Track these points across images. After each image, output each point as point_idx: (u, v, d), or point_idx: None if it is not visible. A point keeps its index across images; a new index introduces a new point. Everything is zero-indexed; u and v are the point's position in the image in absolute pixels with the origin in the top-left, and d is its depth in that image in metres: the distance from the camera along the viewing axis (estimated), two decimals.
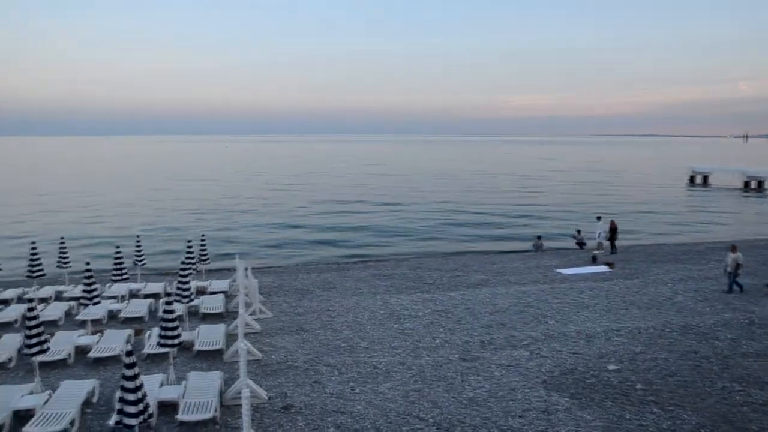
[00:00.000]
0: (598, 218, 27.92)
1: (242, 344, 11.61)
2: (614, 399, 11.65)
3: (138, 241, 20.91)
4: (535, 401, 11.59)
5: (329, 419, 10.92)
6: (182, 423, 10.75)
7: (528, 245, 30.72)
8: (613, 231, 27.03)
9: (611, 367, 13.29)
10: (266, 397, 11.76)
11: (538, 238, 30.73)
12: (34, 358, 11.81)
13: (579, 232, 29.54)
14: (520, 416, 10.94)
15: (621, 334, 15.57)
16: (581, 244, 29.02)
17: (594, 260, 25.47)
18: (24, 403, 11.01)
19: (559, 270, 23.96)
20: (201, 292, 20.21)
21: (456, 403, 11.52)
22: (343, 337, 15.67)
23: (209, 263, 21.82)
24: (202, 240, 21.73)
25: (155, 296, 19.76)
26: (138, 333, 15.91)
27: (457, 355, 14.16)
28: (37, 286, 20.30)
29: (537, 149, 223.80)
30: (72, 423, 10.57)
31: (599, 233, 27.01)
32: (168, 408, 11.26)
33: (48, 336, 12.38)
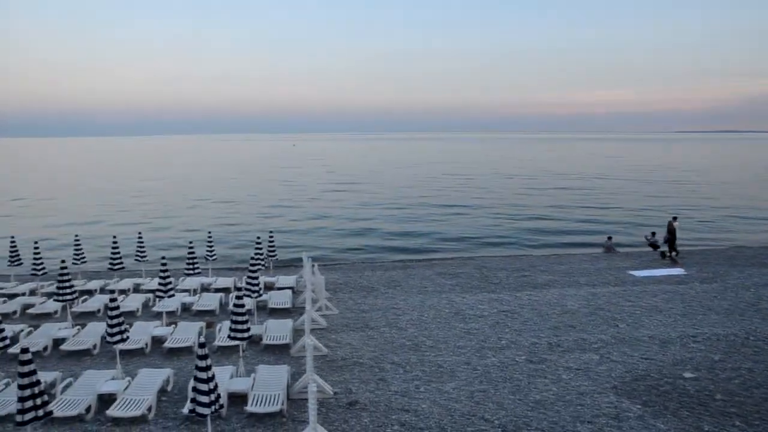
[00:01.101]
0: (674, 218, 26.65)
1: (309, 339, 11.83)
2: (691, 409, 11.09)
3: (210, 238, 21.70)
4: (605, 407, 11.20)
5: (394, 417, 10.96)
6: (251, 414, 11.07)
7: (598, 249, 29.68)
8: (671, 233, 25.77)
9: (688, 374, 12.66)
10: (332, 393, 11.92)
11: (609, 238, 29.64)
12: (115, 346, 12.51)
13: (653, 234, 28.31)
14: (589, 422, 10.61)
15: (698, 340, 14.81)
16: (654, 246, 27.80)
17: (663, 256, 25.61)
18: (107, 387, 11.70)
19: (631, 272, 23.05)
20: (269, 287, 20.75)
21: (522, 406, 11.30)
22: (408, 335, 15.69)
23: (277, 259, 22.38)
24: (271, 237, 22.29)
25: (225, 290, 20.44)
26: (209, 326, 16.50)
27: (523, 357, 13.89)
28: (118, 279, 21.46)
29: (614, 146, 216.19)
30: (149, 409, 11.11)
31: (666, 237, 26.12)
32: (237, 399, 11.63)
33: (127, 326, 13.05)
